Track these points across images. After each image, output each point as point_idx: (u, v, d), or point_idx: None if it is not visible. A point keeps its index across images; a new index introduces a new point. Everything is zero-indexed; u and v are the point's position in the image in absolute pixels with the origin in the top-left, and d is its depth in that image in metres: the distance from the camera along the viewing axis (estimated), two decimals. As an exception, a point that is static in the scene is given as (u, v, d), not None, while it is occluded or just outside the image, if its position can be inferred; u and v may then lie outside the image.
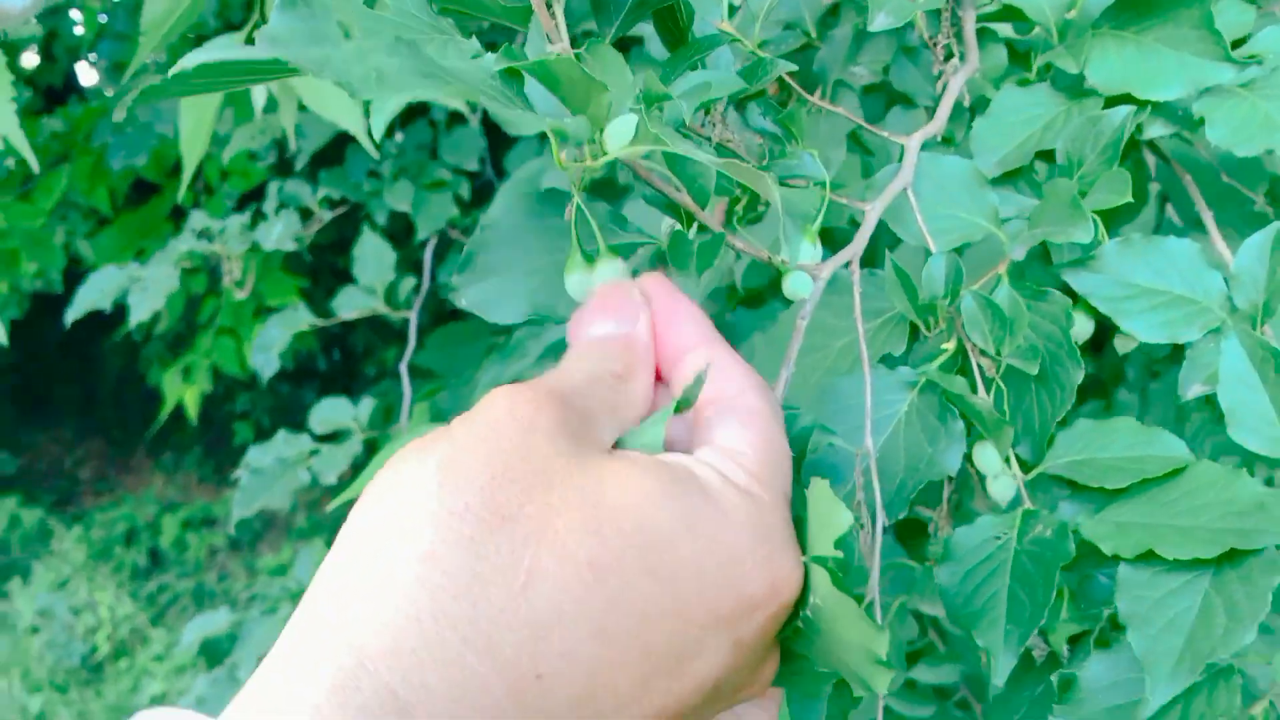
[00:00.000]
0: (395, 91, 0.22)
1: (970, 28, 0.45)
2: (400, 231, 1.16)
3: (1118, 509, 0.36)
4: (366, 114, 0.78)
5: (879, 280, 0.39)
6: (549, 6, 0.30)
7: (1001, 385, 0.37)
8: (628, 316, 0.29)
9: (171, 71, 0.26)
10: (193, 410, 1.84)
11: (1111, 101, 0.42)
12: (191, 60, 0.23)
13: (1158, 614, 0.32)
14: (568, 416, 0.25)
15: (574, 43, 0.31)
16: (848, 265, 0.37)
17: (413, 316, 1.04)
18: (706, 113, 0.37)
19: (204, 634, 0.91)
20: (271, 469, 0.94)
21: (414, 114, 1.13)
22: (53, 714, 2.92)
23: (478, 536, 0.22)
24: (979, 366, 0.37)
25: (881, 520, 0.33)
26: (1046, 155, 0.42)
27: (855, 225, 0.39)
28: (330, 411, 0.98)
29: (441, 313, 1.44)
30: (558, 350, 0.84)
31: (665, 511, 0.24)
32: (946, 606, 0.34)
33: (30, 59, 2.35)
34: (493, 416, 0.24)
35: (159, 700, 2.84)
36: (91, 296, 0.99)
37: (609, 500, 0.24)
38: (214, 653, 3.02)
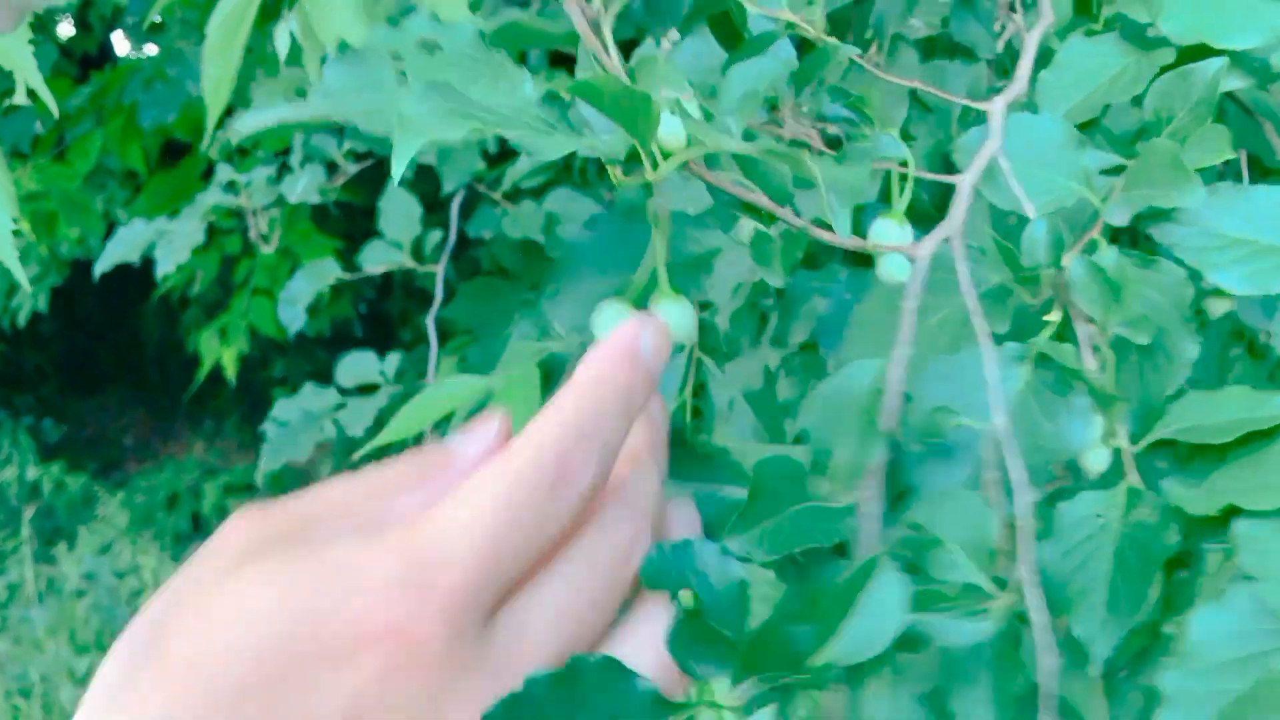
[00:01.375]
0: (418, 135, 0.22)
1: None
2: (428, 187, 1.15)
3: (1225, 473, 0.34)
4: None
5: (947, 258, 0.37)
6: (596, 29, 0.30)
7: (1109, 356, 0.35)
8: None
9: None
10: (231, 371, 1.85)
11: (1185, 52, 0.40)
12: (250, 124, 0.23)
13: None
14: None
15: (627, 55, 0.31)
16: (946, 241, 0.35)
17: (439, 270, 1.03)
18: (775, 109, 0.36)
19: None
20: (298, 422, 0.93)
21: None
22: (99, 674, 2.99)
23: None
24: (1086, 338, 0.36)
25: (1029, 498, 0.31)
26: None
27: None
28: (357, 365, 0.97)
29: (468, 268, 1.43)
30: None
31: None
32: (1045, 587, 0.32)
33: (66, 29, 2.36)
34: None
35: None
36: (119, 250, 0.99)
37: None
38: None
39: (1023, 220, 0.36)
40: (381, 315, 3.54)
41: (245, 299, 1.79)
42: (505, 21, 0.29)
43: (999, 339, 0.36)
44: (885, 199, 0.38)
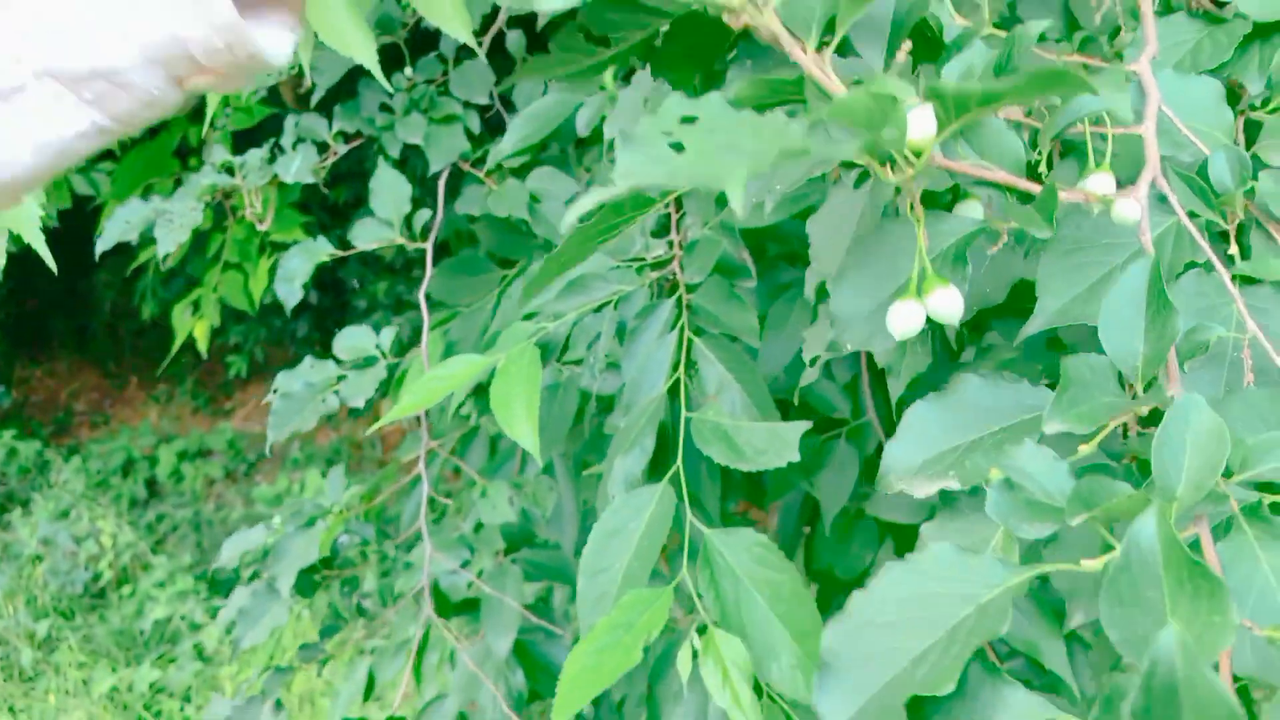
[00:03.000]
0: (741, 175, 0.25)
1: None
2: (414, 164, 1.19)
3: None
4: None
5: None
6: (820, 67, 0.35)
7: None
8: None
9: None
10: (203, 344, 1.88)
11: (1261, 26, 0.48)
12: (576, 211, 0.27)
13: None
14: None
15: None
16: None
17: (429, 247, 1.08)
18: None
19: (242, 550, 0.97)
20: (301, 393, 0.98)
21: (424, 48, 1.15)
22: (59, 638, 3.00)
23: None
24: None
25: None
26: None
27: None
28: (354, 339, 1.02)
29: (447, 245, 1.47)
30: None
31: None
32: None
33: None
34: None
35: (162, 623, 2.92)
36: (119, 229, 1.01)
37: None
38: (220, 584, 3.09)
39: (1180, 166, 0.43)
40: (338, 283, 3.53)
41: (217, 273, 1.81)
42: (743, 84, 0.35)
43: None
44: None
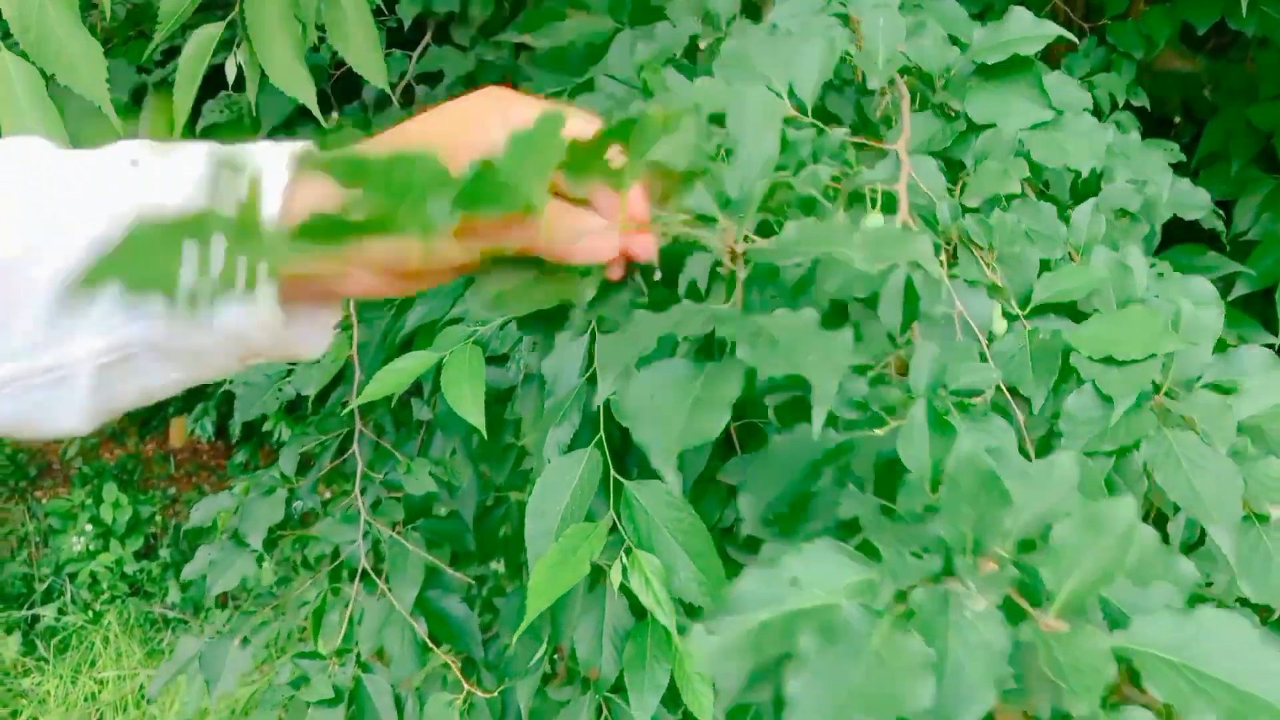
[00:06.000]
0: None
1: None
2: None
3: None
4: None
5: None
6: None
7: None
8: None
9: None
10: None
11: (973, 124, 0.81)
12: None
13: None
14: None
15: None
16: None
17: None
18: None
19: (215, 511, 1.16)
20: (259, 383, 1.19)
21: (349, 96, 1.37)
22: None
23: None
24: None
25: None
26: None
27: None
28: (299, 339, 1.24)
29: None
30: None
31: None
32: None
33: None
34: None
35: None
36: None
37: None
38: (10, 598, 2.96)
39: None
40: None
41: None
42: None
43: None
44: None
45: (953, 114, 0.84)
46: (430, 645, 1.39)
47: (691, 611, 0.80)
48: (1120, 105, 1.31)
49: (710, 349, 0.52)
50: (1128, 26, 1.38)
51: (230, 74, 1.17)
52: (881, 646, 0.49)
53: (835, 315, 0.61)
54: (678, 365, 0.59)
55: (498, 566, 1.58)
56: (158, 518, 3.30)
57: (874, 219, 0.70)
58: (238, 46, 1.19)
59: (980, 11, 1.23)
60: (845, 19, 0.80)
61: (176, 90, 1.14)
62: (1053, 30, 0.83)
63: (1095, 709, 0.43)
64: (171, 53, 1.64)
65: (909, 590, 0.51)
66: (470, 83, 1.44)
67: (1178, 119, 1.68)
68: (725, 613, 0.55)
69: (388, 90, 1.24)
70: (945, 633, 0.47)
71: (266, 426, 2.66)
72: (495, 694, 1.32)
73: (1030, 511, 0.54)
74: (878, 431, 0.61)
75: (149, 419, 3.68)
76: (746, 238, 0.52)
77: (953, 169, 0.82)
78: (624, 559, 0.81)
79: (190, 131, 1.36)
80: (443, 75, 1.36)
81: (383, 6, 1.35)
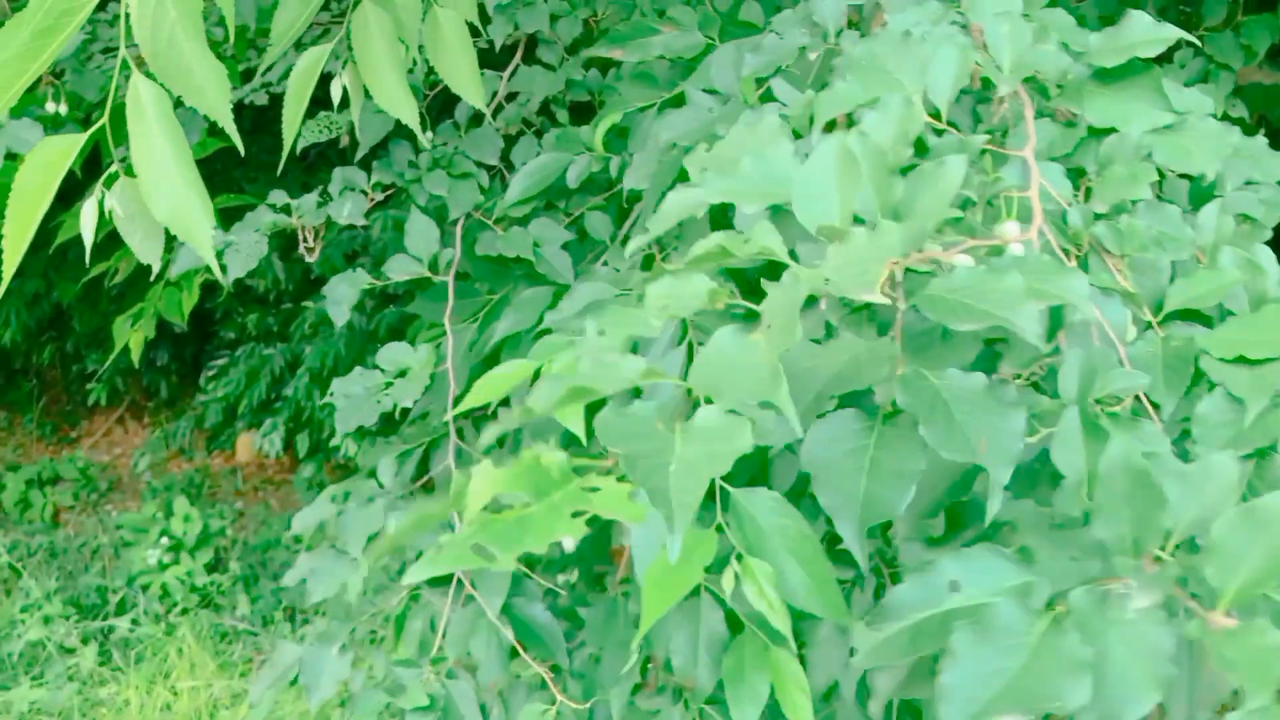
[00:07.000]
0: None
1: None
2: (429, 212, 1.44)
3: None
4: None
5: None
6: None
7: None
8: None
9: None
10: (135, 353, 2.01)
11: (1094, 130, 0.80)
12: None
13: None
14: None
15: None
16: None
17: (450, 279, 1.34)
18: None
19: (316, 520, 1.18)
20: (360, 395, 1.21)
21: (442, 114, 1.41)
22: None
23: None
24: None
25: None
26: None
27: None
28: (395, 353, 1.26)
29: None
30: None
31: None
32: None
33: None
34: None
35: (36, 645, 2.86)
36: (190, 259, 1.21)
37: None
38: (88, 608, 3.05)
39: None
40: (198, 313, 3.56)
41: (159, 290, 1.97)
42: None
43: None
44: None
45: (1070, 120, 0.83)
46: (519, 650, 1.40)
47: (800, 617, 0.80)
48: (1219, 116, 1.29)
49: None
50: (1226, 36, 1.37)
51: (335, 95, 1.20)
52: (1038, 644, 0.49)
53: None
54: (849, 419, 0.60)
55: (567, 578, 1.59)
56: (227, 531, 3.36)
57: (1009, 227, 0.70)
58: (344, 67, 1.22)
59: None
60: (964, 27, 0.80)
61: (286, 107, 1.18)
62: (1173, 33, 0.83)
63: (1271, 701, 0.41)
64: (245, 75, 1.69)
65: (1066, 592, 0.52)
66: (559, 102, 1.47)
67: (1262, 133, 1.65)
68: (884, 617, 0.56)
69: (483, 109, 1.27)
70: (1105, 633, 0.47)
71: (334, 442, 2.71)
72: (587, 706, 1.32)
73: (1190, 512, 0.53)
74: (1030, 440, 0.61)
75: (217, 434, 3.76)
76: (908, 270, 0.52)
77: (1071, 174, 0.82)
78: (736, 566, 0.81)
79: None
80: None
81: (474, 28, 1.38)
